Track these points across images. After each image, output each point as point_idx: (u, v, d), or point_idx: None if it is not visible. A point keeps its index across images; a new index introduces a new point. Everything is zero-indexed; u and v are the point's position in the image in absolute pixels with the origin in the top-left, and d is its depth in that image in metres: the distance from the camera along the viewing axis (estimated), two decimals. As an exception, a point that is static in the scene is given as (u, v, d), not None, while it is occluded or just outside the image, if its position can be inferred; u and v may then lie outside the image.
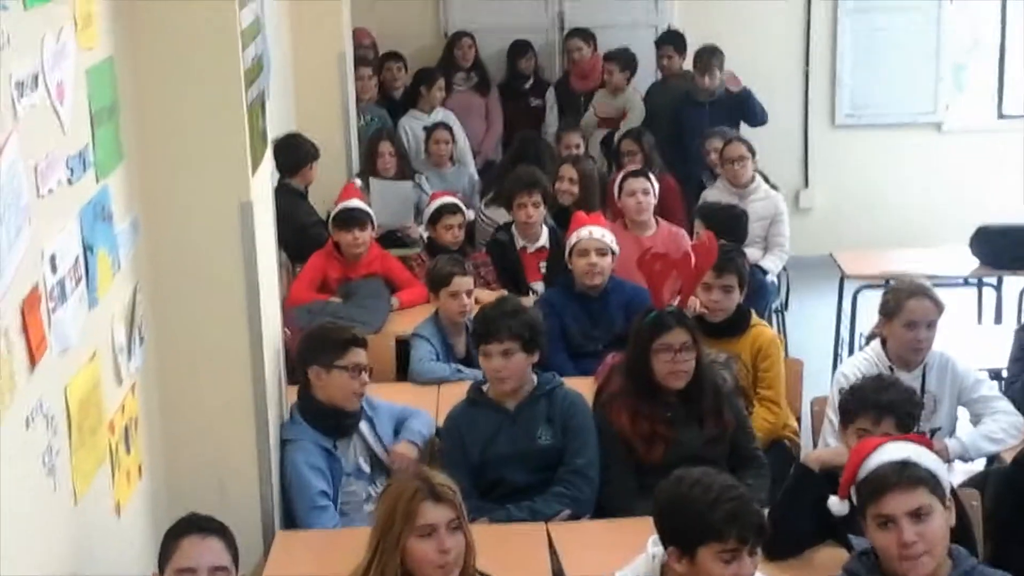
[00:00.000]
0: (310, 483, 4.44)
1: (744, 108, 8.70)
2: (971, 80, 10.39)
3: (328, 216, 6.73)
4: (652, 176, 6.93)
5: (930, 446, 3.54)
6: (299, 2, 8.14)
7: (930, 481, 3.34)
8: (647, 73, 9.44)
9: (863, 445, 3.51)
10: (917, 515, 3.29)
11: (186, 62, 4.06)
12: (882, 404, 4.11)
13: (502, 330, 4.55)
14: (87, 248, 3.42)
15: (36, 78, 3.08)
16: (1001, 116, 10.02)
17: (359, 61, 8.98)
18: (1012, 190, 9.50)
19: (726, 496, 3.22)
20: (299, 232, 6.71)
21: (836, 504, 3.56)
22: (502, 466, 4.52)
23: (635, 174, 6.90)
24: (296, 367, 4.70)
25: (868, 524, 3.36)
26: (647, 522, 3.42)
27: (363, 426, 4.67)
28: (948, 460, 4.61)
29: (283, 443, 4.53)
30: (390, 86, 9.30)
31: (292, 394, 4.72)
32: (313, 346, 4.62)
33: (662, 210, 7.03)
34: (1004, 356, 5.42)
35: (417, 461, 4.58)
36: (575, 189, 7.12)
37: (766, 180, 7.65)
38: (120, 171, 3.81)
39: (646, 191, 6.76)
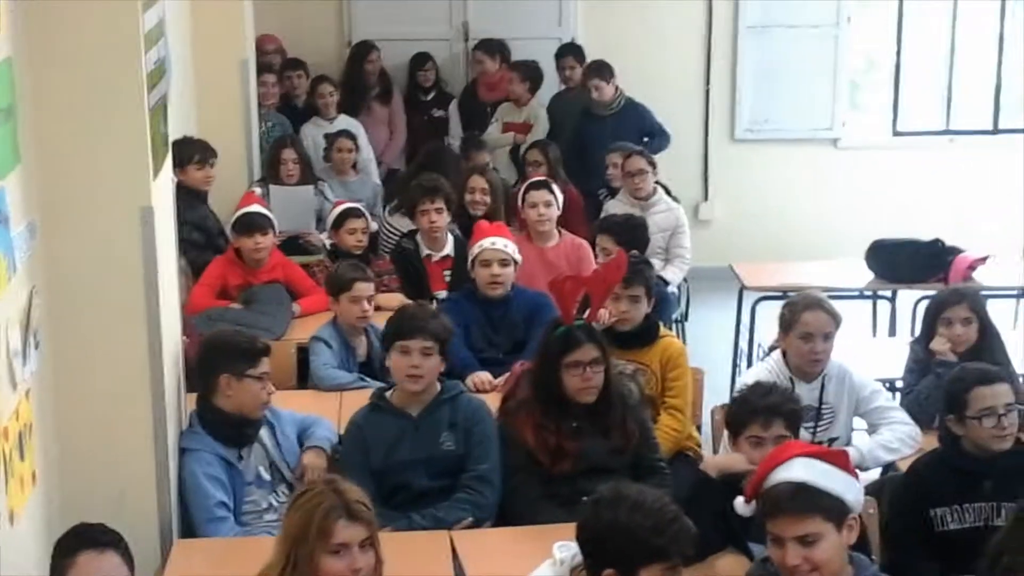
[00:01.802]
0: (208, 493, 4.39)
1: (645, 123, 8.79)
2: (867, 98, 10.62)
3: (227, 222, 6.67)
4: (555, 188, 6.94)
5: (845, 464, 3.57)
6: (201, 7, 8.05)
7: (826, 507, 3.39)
8: (551, 86, 9.49)
9: (778, 452, 3.54)
10: (804, 540, 3.35)
11: (87, 64, 4.00)
12: (769, 407, 4.19)
13: (426, 329, 4.57)
14: (-18, 251, 3.35)
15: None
16: (896, 133, 10.23)
17: (262, 68, 8.92)
18: (906, 205, 9.70)
19: (667, 518, 3.25)
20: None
21: (741, 505, 3.62)
22: (405, 472, 4.51)
23: (537, 185, 6.91)
24: (197, 375, 4.63)
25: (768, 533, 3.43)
26: (550, 529, 3.44)
27: (263, 434, 4.63)
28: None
29: (182, 451, 4.47)
30: (291, 94, 9.24)
31: (191, 401, 4.66)
32: (222, 354, 4.54)
33: (565, 222, 7.06)
34: (898, 367, 5.53)
35: (326, 469, 4.56)
36: (487, 199, 7.13)
37: (668, 192, 7.74)
38: (16, 174, 3.74)
39: (548, 203, 6.78)
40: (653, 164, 7.60)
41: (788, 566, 3.35)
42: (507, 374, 5.26)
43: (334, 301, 5.73)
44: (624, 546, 3.24)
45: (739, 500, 3.62)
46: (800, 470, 3.44)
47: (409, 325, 4.61)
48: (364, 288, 5.68)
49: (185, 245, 6.59)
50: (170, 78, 4.79)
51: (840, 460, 3.56)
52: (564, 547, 3.41)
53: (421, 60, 9.55)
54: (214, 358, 4.55)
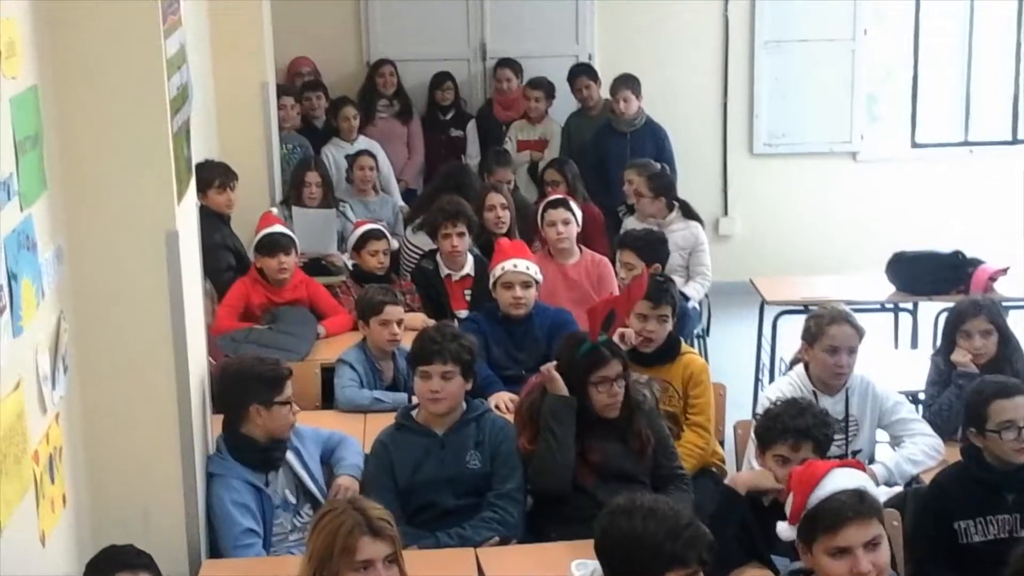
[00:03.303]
0: (235, 521, 4.42)
1: (662, 148, 8.83)
2: (885, 110, 10.62)
3: (248, 244, 6.72)
4: (574, 205, 6.96)
5: (863, 471, 3.60)
6: (222, 31, 8.11)
7: (880, 509, 3.41)
8: (567, 103, 9.54)
9: (810, 472, 3.52)
10: (870, 545, 3.35)
11: (111, 91, 4.05)
12: (800, 429, 4.19)
13: (445, 353, 4.59)
14: (11, 277, 3.39)
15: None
16: (915, 145, 10.22)
17: (282, 90, 8.99)
18: (926, 217, 9.70)
19: (682, 524, 3.26)
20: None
21: (785, 530, 3.54)
22: (430, 490, 4.54)
23: (555, 204, 6.92)
24: (223, 406, 4.63)
25: (815, 552, 3.39)
26: (575, 546, 3.46)
27: (290, 456, 4.66)
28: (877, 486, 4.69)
29: (209, 476, 4.51)
30: (310, 115, 9.31)
31: (217, 423, 4.70)
32: (249, 386, 4.55)
33: (585, 238, 7.09)
34: (920, 379, 5.54)
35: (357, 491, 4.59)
36: (506, 216, 7.16)
37: (689, 210, 7.71)
38: (43, 200, 3.79)
39: (566, 221, 6.80)
40: (656, 190, 7.59)
41: (860, 573, 3.31)
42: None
43: (364, 324, 5.73)
44: (641, 554, 3.25)
45: (782, 525, 3.56)
46: (846, 480, 3.45)
47: (428, 349, 4.62)
48: (394, 312, 5.70)
49: (220, 268, 6.69)
50: (192, 103, 4.84)
51: (859, 468, 3.59)
52: (582, 565, 3.43)
53: (440, 79, 9.59)
54: (241, 390, 4.56)
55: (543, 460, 4.53)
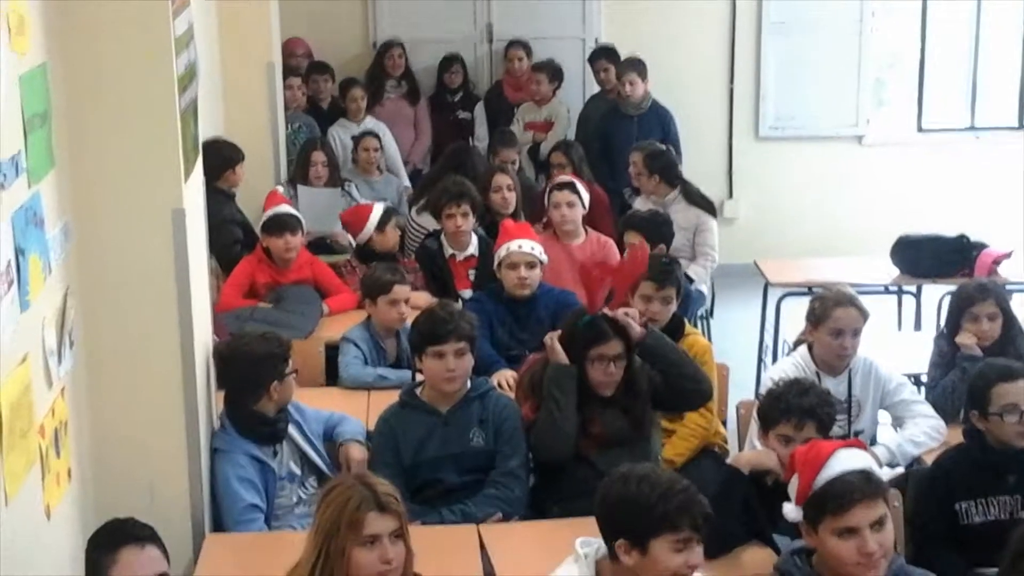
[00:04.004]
0: (239, 496, 4.45)
1: (668, 131, 8.83)
2: (891, 95, 10.61)
3: (254, 222, 6.75)
4: (580, 188, 6.95)
5: (865, 450, 3.62)
6: (228, 11, 8.13)
7: (885, 489, 3.43)
8: (573, 86, 9.53)
9: (815, 453, 3.53)
10: (876, 525, 3.37)
11: (119, 68, 4.07)
12: (804, 409, 4.21)
13: (458, 330, 4.60)
14: (19, 252, 3.41)
15: (-32, 83, 3.08)
16: (920, 130, 10.21)
17: (289, 71, 9.00)
18: (931, 201, 9.70)
19: (676, 488, 3.29)
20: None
21: (792, 511, 3.55)
22: (435, 468, 4.57)
23: (560, 186, 6.93)
24: (237, 382, 4.64)
25: (821, 532, 3.41)
26: (578, 523, 3.48)
27: (292, 430, 4.69)
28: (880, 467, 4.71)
29: (213, 451, 4.54)
30: (317, 97, 9.32)
31: (220, 399, 4.72)
32: (263, 365, 4.58)
33: (591, 220, 7.09)
34: (923, 362, 5.55)
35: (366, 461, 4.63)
36: (513, 197, 7.17)
37: (698, 195, 7.68)
38: (51, 177, 3.81)
39: (571, 203, 6.79)
40: (650, 168, 7.59)
41: (866, 552, 3.34)
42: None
43: (370, 303, 5.75)
44: (633, 516, 3.28)
45: (788, 507, 3.57)
46: (852, 460, 3.46)
47: (442, 329, 4.60)
48: (402, 291, 5.71)
49: (229, 242, 6.72)
50: (199, 82, 4.86)
51: (861, 447, 3.61)
52: (586, 542, 3.45)
53: (449, 62, 9.60)
54: (256, 370, 4.57)
55: (545, 428, 4.55)
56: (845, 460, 3.46)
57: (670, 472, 3.41)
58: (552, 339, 4.65)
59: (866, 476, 3.41)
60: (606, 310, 4.65)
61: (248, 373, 4.59)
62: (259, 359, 4.60)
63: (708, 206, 7.70)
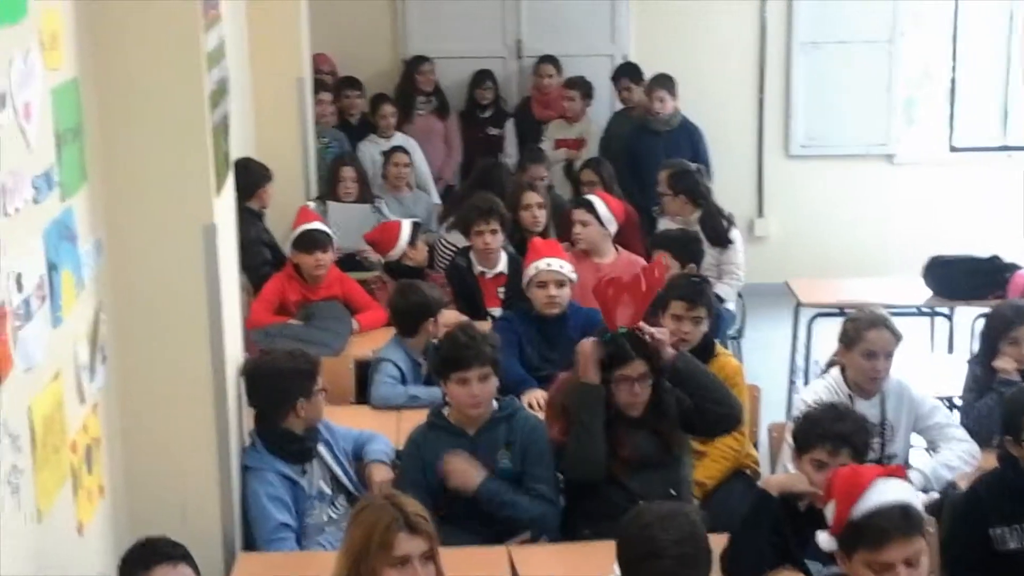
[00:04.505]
0: (270, 515, 4.44)
1: (698, 148, 8.80)
2: (923, 113, 10.56)
3: (283, 239, 6.75)
4: (600, 206, 6.80)
5: (904, 478, 3.57)
6: (258, 27, 8.15)
7: (923, 523, 3.39)
8: (602, 103, 9.52)
9: (854, 482, 3.48)
10: (911, 561, 3.33)
11: (151, 84, 4.07)
12: (839, 434, 4.14)
13: (480, 356, 4.56)
14: (52, 267, 3.41)
15: (3, 98, 3.08)
16: (952, 149, 10.17)
17: (319, 86, 9.02)
18: (963, 221, 9.64)
19: (685, 540, 3.29)
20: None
21: (826, 541, 3.49)
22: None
23: (576, 204, 6.94)
24: (265, 399, 4.63)
25: (854, 561, 3.37)
26: (608, 545, 3.45)
27: (322, 449, 4.68)
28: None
29: (244, 469, 4.53)
30: (347, 112, 9.33)
31: (250, 416, 4.71)
32: (292, 382, 4.57)
33: (621, 238, 7.06)
34: (957, 385, 5.50)
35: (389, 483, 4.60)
36: (542, 215, 7.15)
37: (721, 214, 7.61)
38: (84, 192, 3.82)
39: (584, 222, 6.73)
40: (675, 188, 7.53)
41: None
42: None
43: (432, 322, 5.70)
44: (642, 559, 3.28)
45: (823, 536, 3.50)
46: (891, 491, 3.41)
47: (465, 355, 4.55)
48: (449, 315, 5.80)
49: (257, 263, 6.73)
50: (230, 97, 4.86)
51: (901, 475, 3.55)
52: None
53: (481, 78, 9.59)
54: (284, 387, 4.57)
55: (575, 451, 4.52)
56: (884, 491, 3.40)
57: (694, 515, 3.39)
58: (585, 344, 4.59)
59: (904, 511, 3.35)
60: (641, 324, 4.60)
61: (274, 390, 4.58)
62: (285, 375, 4.59)
63: (723, 235, 7.52)
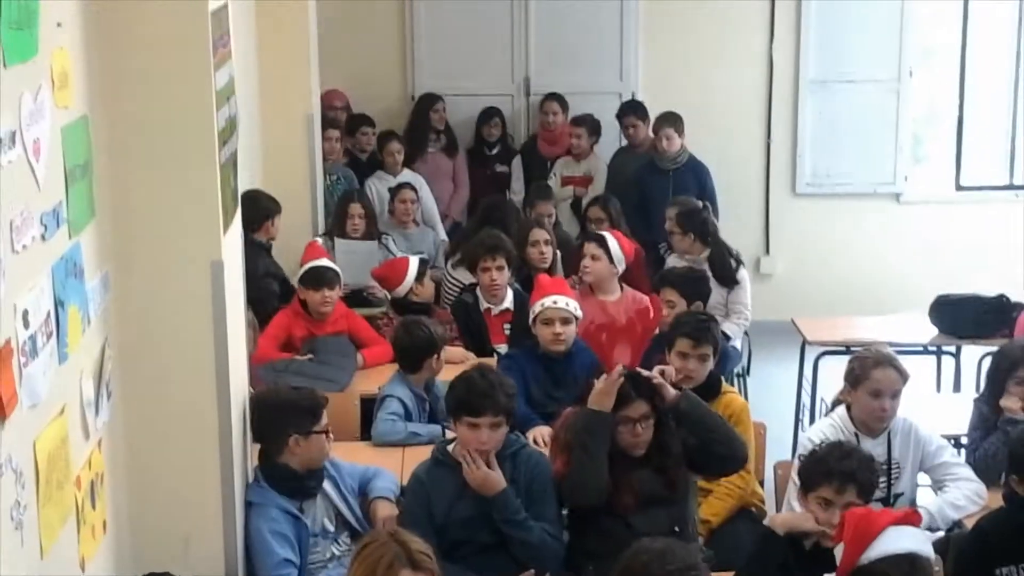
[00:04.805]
0: (272, 551, 4.43)
1: (704, 185, 8.82)
2: (929, 152, 10.58)
3: (291, 274, 6.77)
4: (612, 243, 6.81)
5: (917, 524, 3.55)
6: (268, 63, 8.20)
7: (931, 573, 3.38)
8: (611, 140, 9.55)
9: (865, 528, 3.47)
10: None
11: (160, 122, 4.07)
12: (845, 472, 4.15)
13: (495, 406, 4.53)
14: (58, 303, 3.42)
15: (14, 135, 3.10)
16: (959, 188, 10.18)
17: (328, 123, 9.05)
18: (970, 260, 9.64)
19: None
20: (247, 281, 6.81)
21: None
22: (466, 526, 4.53)
23: (590, 237, 6.95)
24: (263, 432, 4.64)
25: None
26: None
27: (327, 486, 4.68)
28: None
29: (248, 505, 4.52)
30: (357, 149, 9.36)
31: (255, 451, 4.72)
32: (287, 415, 4.58)
33: (627, 276, 7.06)
34: (963, 423, 5.49)
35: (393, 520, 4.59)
36: (549, 251, 7.16)
37: (729, 253, 7.62)
38: (92, 227, 3.83)
39: (595, 256, 6.73)
40: (684, 226, 7.55)
41: None
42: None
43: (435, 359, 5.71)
44: None
45: None
46: (902, 540, 3.40)
47: (478, 402, 4.52)
48: (454, 352, 5.87)
49: (264, 297, 6.74)
50: (239, 134, 4.88)
51: (916, 521, 3.54)
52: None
53: (488, 115, 9.62)
54: (280, 420, 4.57)
55: (576, 475, 4.51)
56: (896, 539, 3.40)
57: (693, 551, 3.39)
58: (612, 377, 4.53)
59: (911, 562, 3.35)
60: (660, 368, 4.61)
61: (269, 423, 4.59)
62: (281, 409, 4.60)
63: (730, 275, 7.53)
